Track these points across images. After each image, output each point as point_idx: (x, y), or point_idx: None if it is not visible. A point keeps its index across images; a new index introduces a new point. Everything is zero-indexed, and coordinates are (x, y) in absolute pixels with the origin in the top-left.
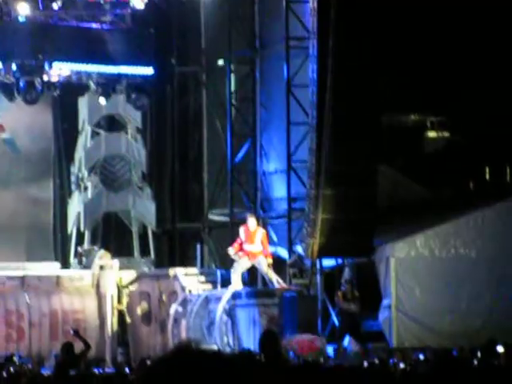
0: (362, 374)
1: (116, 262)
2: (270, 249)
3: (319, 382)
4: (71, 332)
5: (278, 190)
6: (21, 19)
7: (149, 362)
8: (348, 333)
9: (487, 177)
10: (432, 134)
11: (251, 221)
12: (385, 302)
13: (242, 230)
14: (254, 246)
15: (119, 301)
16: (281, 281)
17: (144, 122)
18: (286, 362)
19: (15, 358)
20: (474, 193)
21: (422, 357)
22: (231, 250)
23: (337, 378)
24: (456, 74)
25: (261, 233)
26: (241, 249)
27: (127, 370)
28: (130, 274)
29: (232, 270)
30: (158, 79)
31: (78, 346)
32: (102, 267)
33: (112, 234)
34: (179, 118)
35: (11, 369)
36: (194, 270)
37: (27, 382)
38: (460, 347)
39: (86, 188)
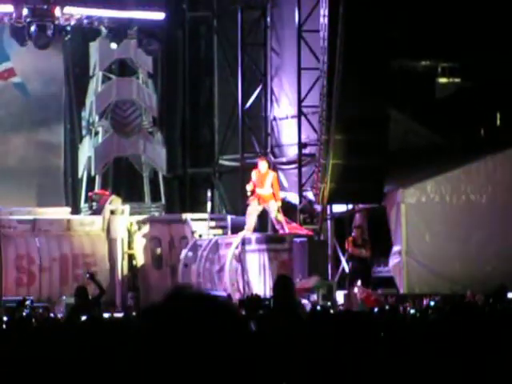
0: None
1: (127, 207)
2: (281, 194)
3: (328, 328)
4: (87, 275)
5: (289, 135)
6: None
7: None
8: (358, 278)
9: (498, 123)
10: (443, 79)
11: (262, 163)
12: (395, 248)
13: (253, 173)
14: (264, 190)
15: (130, 246)
16: (291, 224)
17: (155, 67)
18: (296, 308)
19: (27, 302)
20: (485, 139)
21: (432, 303)
22: (249, 187)
23: (345, 324)
24: (467, 19)
25: (271, 176)
26: (252, 192)
27: (136, 314)
28: (141, 219)
29: (247, 213)
30: (169, 24)
31: (91, 291)
32: (112, 212)
33: (123, 179)
34: (190, 63)
35: (24, 313)
36: (204, 215)
37: (38, 326)
38: (471, 292)
39: (96, 133)
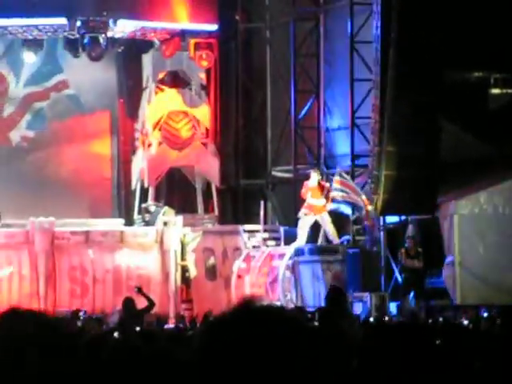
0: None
1: (180, 219)
2: (333, 206)
3: (382, 339)
4: (135, 289)
5: (342, 146)
6: None
7: (211, 318)
8: (411, 290)
9: None
10: (496, 90)
11: (314, 176)
12: (448, 258)
13: (306, 183)
14: (318, 201)
15: (183, 257)
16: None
17: (208, 78)
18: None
19: (80, 314)
20: None
21: (485, 314)
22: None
23: (399, 336)
24: None
25: (325, 188)
26: (306, 203)
27: (190, 325)
28: (194, 230)
29: (298, 227)
30: (222, 36)
31: (143, 303)
32: (165, 223)
33: (176, 191)
34: (243, 74)
35: (78, 323)
36: (257, 227)
37: (92, 338)
38: None
39: (149, 144)
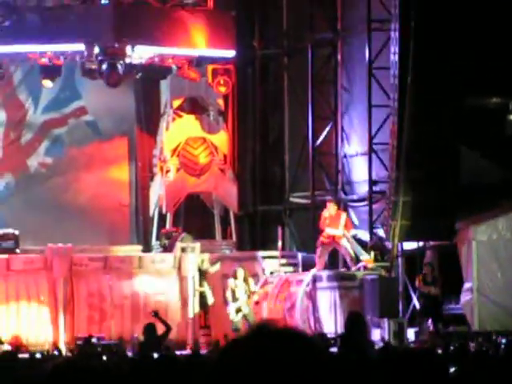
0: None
1: (198, 245)
2: (352, 232)
3: (394, 364)
4: (152, 314)
5: (359, 172)
6: (103, 1)
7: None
8: (429, 316)
9: None
10: None
11: (331, 206)
12: (466, 285)
13: (324, 213)
14: (337, 231)
15: (201, 283)
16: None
17: (226, 104)
18: (366, 347)
19: (93, 340)
20: None
21: (504, 340)
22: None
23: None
24: None
25: (344, 217)
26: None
27: (209, 350)
28: (212, 257)
29: (317, 255)
30: (239, 62)
31: (160, 328)
32: (183, 249)
33: (194, 217)
34: (260, 100)
35: (87, 350)
36: (275, 253)
37: (113, 364)
38: None
39: (168, 170)
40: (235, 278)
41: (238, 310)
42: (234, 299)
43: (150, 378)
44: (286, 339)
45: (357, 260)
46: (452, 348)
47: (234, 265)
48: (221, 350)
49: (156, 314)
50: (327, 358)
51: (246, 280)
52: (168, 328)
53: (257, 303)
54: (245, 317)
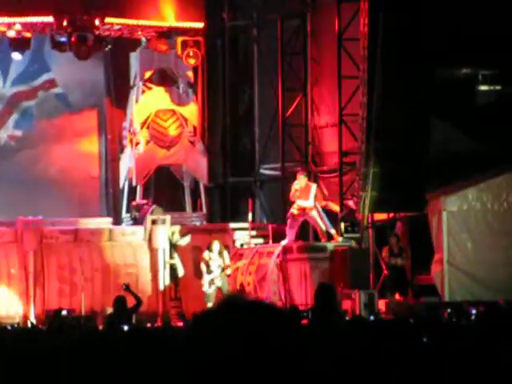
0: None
1: (168, 217)
2: (322, 203)
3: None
4: (123, 287)
5: (330, 144)
6: None
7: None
8: (396, 287)
9: None
10: (484, 87)
11: (301, 178)
12: (437, 255)
13: (294, 185)
14: (307, 202)
15: (171, 255)
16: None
17: (195, 76)
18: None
19: (63, 313)
20: None
21: (474, 311)
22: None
23: (385, 334)
24: (508, 26)
25: (314, 188)
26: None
27: (179, 323)
28: (183, 229)
29: (287, 227)
30: (209, 33)
31: (131, 302)
32: (153, 222)
33: (164, 189)
34: (230, 72)
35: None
36: (245, 225)
37: (80, 336)
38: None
39: (137, 143)
40: (210, 250)
41: (212, 283)
42: (208, 271)
43: (119, 351)
44: (256, 311)
45: (327, 234)
46: (423, 318)
47: (205, 237)
48: (192, 322)
49: (127, 287)
50: (297, 330)
51: (221, 253)
52: (139, 301)
53: (228, 276)
54: (219, 289)
